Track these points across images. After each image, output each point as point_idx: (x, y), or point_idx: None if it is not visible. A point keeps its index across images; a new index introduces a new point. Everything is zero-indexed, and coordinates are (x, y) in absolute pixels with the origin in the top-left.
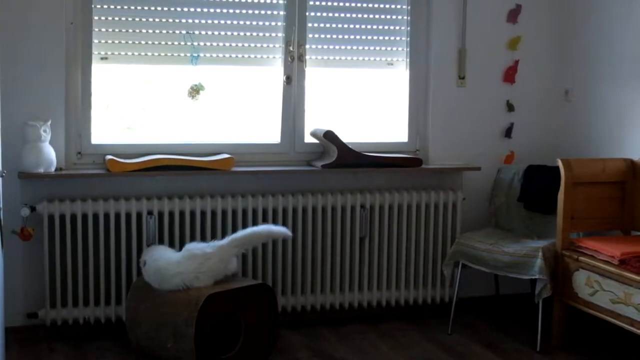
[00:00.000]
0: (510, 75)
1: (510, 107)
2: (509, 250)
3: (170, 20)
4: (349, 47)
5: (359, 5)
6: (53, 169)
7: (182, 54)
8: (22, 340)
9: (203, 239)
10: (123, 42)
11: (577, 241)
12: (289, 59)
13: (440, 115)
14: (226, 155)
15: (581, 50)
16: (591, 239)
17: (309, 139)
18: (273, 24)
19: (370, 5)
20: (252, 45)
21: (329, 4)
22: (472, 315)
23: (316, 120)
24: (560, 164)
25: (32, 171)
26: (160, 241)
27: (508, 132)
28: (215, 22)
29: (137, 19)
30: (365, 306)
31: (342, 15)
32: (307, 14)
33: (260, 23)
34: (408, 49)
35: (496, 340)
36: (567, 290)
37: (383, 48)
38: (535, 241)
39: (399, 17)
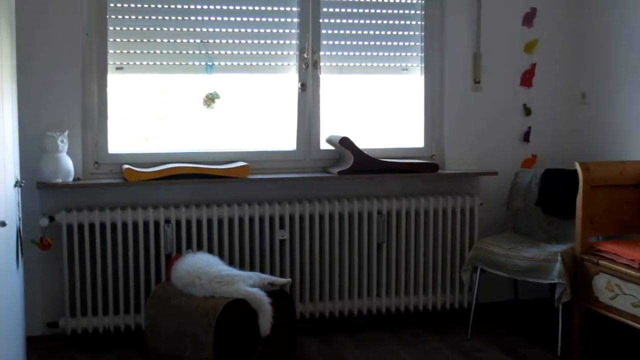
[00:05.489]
0: (527, 79)
1: (527, 111)
2: (528, 255)
3: (185, 29)
4: (363, 53)
5: (372, 11)
6: (71, 179)
7: (196, 63)
8: (43, 350)
9: (220, 246)
10: (138, 52)
11: (596, 245)
12: (304, 65)
13: (456, 120)
14: (242, 163)
15: (597, 52)
16: (611, 242)
17: (324, 145)
18: (287, 31)
19: (384, 11)
20: (267, 52)
21: (343, 10)
22: (491, 320)
23: (332, 126)
24: (578, 167)
25: (50, 181)
26: (178, 250)
27: (526, 136)
28: (230, 30)
29: (151, 29)
30: (383, 312)
31: (356, 21)
32: (320, 20)
33: (274, 30)
34: (422, 54)
35: (516, 346)
36: (587, 295)
37: (397, 53)
38: (554, 245)
39: (413, 22)
